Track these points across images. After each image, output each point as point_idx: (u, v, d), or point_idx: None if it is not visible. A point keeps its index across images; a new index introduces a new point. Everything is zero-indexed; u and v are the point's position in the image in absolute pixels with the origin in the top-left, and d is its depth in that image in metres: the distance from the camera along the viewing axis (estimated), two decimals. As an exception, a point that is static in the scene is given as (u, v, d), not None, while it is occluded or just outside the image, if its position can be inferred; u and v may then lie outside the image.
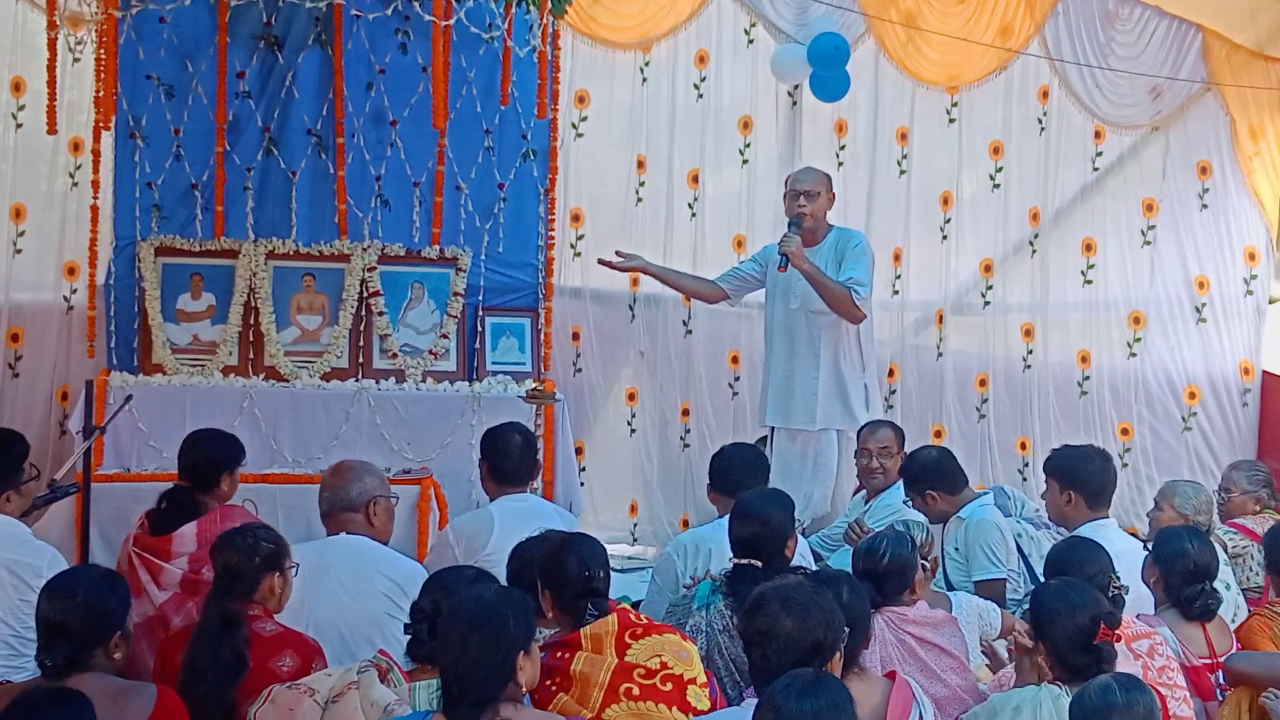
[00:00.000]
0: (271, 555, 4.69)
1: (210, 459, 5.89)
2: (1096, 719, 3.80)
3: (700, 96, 9.15)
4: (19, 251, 8.34)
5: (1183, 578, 5.39)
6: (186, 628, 4.87)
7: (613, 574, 4.68)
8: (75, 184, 8.33)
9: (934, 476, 6.53)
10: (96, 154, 7.94)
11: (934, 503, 6.48)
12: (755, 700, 3.89)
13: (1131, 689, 3.87)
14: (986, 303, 9.62)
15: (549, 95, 8.25)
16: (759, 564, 5.05)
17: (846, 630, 4.06)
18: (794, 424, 7.70)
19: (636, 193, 9.09)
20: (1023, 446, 9.44)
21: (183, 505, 5.64)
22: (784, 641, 3.88)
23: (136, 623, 4.51)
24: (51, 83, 7.25)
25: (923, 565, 5.25)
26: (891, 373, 9.40)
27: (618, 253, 7.96)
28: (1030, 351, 9.61)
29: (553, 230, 8.60)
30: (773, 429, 7.83)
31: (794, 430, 7.71)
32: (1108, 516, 6.28)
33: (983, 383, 9.56)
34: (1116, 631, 4.43)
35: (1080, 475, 6.27)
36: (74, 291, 8.36)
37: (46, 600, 4.05)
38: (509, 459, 6.07)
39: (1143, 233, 9.70)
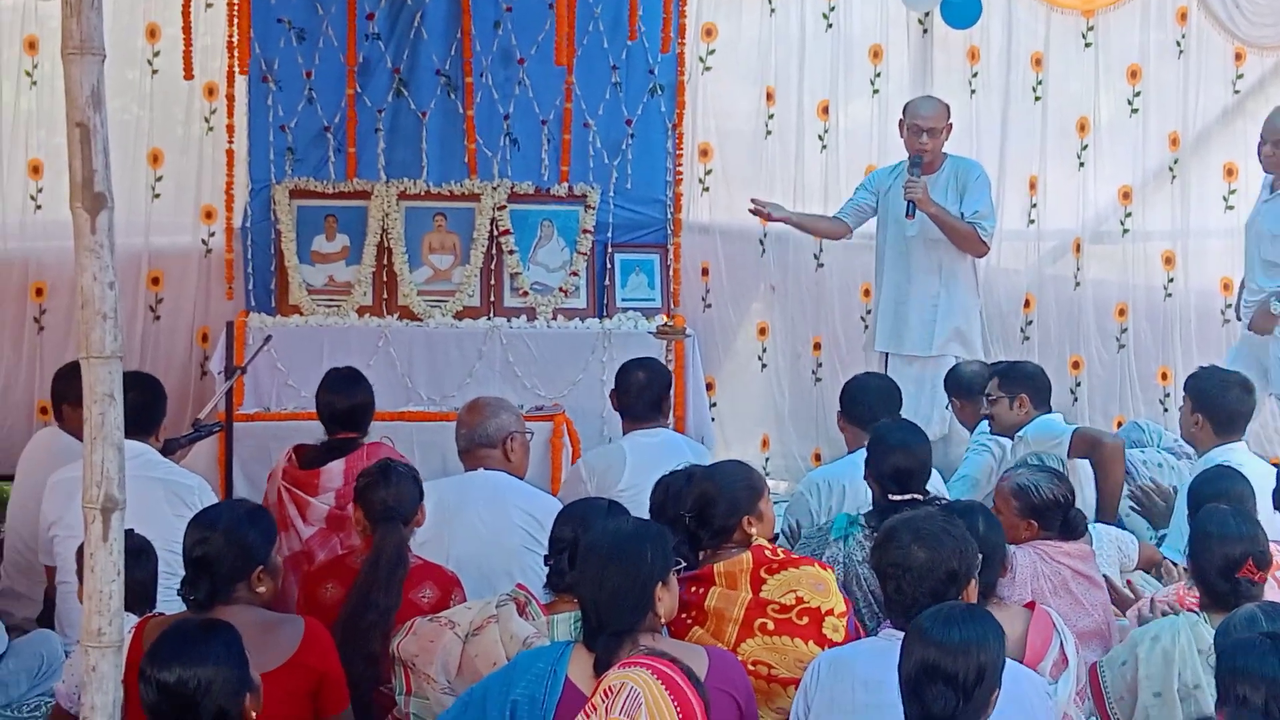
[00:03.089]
0: (420, 483, 4.81)
1: (369, 400, 5.98)
2: (1243, 649, 3.73)
3: (830, 26, 9.01)
4: (157, 196, 8.46)
5: None
6: (330, 562, 4.98)
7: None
8: (210, 128, 8.41)
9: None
10: (231, 98, 8.04)
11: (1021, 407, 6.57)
12: (892, 630, 3.89)
13: (1278, 618, 3.80)
14: (1125, 230, 9.39)
15: (675, 29, 8.22)
16: (919, 497, 5.04)
17: (980, 558, 4.04)
18: (907, 349, 7.71)
19: (765, 126, 8.99)
20: (1164, 376, 9.23)
21: (341, 448, 5.74)
22: (918, 572, 3.86)
23: (284, 557, 4.58)
24: (187, 28, 7.38)
25: None
26: (1028, 303, 9.24)
27: (754, 200, 7.87)
28: (1171, 280, 9.37)
29: (680, 166, 8.56)
30: (886, 356, 7.80)
31: (909, 356, 7.69)
32: (1239, 441, 6.17)
33: (1122, 312, 9.35)
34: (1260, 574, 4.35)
35: (1210, 401, 6.18)
36: (212, 235, 8.47)
37: (190, 533, 4.11)
38: (628, 397, 6.18)
39: (1285, 156, 9.42)
